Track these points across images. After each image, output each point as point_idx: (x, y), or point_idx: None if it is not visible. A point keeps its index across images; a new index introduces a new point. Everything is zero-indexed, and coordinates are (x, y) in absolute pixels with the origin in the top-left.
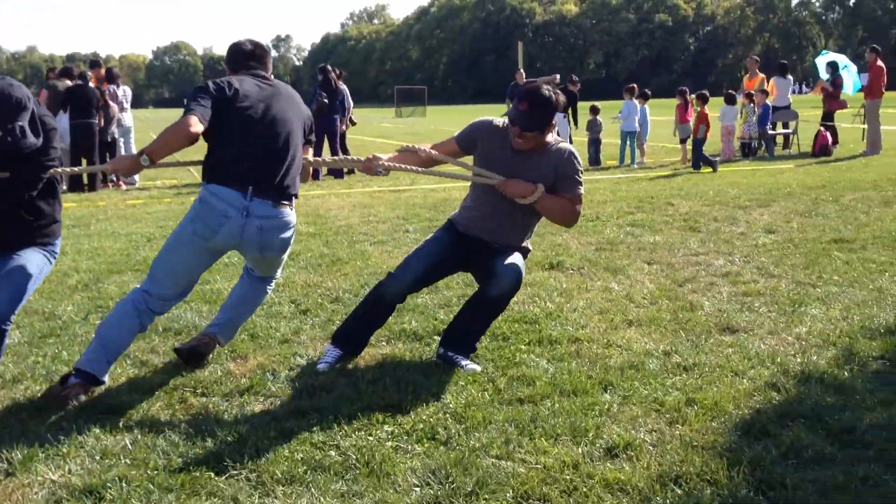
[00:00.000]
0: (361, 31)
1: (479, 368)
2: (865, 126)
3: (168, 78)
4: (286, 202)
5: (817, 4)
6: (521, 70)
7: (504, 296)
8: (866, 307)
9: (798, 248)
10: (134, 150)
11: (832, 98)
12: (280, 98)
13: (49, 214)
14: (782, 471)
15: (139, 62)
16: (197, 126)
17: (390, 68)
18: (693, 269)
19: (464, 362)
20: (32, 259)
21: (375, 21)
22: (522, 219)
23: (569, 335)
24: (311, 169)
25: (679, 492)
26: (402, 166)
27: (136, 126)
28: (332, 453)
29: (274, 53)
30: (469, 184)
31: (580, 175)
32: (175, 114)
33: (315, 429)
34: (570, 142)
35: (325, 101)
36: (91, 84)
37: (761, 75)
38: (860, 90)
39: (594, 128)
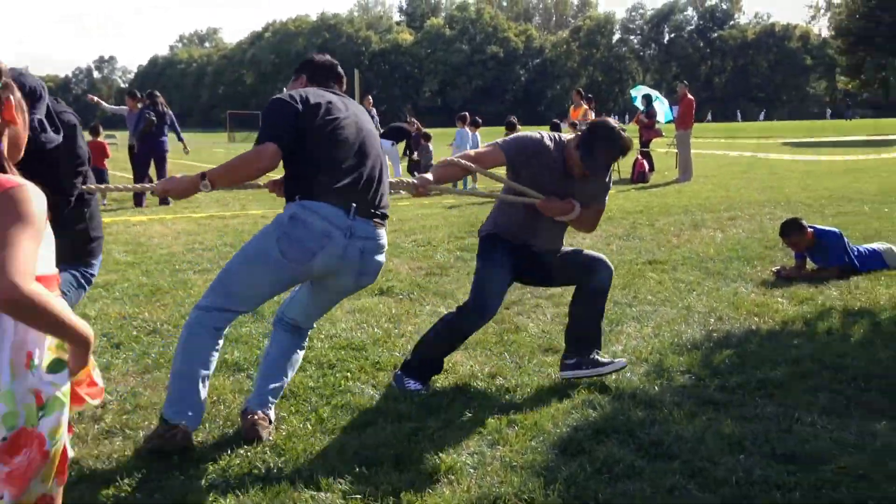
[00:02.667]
0: (192, 53)
1: (625, 362)
2: (677, 154)
3: None
4: (383, 222)
5: (636, 42)
6: (370, 97)
7: (610, 276)
8: (675, 324)
9: (617, 269)
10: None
11: (648, 128)
12: (364, 114)
13: (83, 230)
14: (595, 486)
15: None
16: (275, 158)
17: (223, 93)
18: (519, 292)
19: (613, 361)
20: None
21: (207, 44)
22: (560, 226)
23: (395, 361)
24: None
25: None
26: (450, 188)
27: None
28: (138, 495)
29: (97, 75)
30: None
31: (611, 186)
32: None
33: (120, 470)
34: (398, 169)
35: (154, 118)
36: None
37: (585, 106)
38: (671, 121)
39: (425, 155)
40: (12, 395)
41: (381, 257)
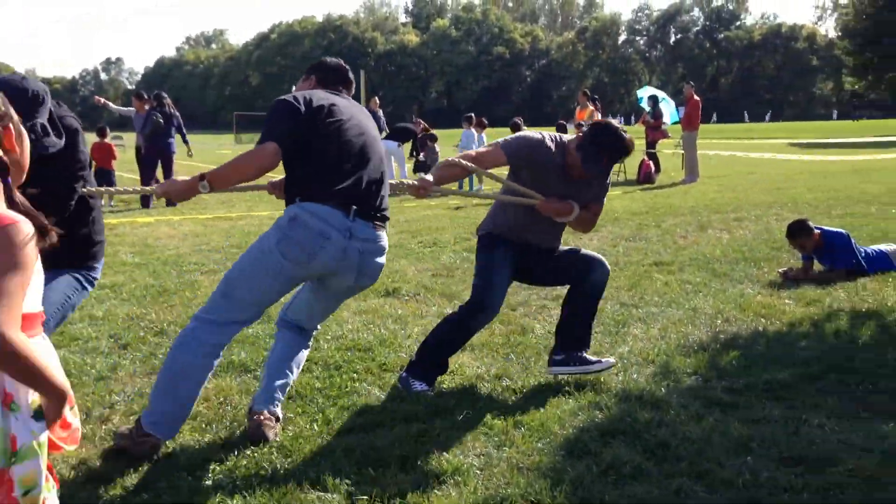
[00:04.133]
0: (199, 55)
1: (613, 361)
2: (684, 155)
3: None
4: (384, 224)
5: (642, 43)
6: (376, 98)
7: (606, 277)
8: (682, 326)
9: (623, 270)
10: None
11: (654, 129)
12: (367, 118)
13: (85, 233)
14: (602, 488)
15: None
16: (275, 157)
17: (230, 94)
18: (525, 294)
19: (600, 360)
20: (60, 285)
21: (213, 46)
22: (559, 225)
23: (402, 362)
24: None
25: None
26: (452, 190)
27: None
28: (145, 496)
29: (104, 76)
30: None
31: (609, 187)
32: None
33: (129, 471)
34: (404, 171)
35: (161, 120)
36: None
37: (591, 107)
38: (678, 122)
39: (431, 156)
40: None
41: (381, 259)
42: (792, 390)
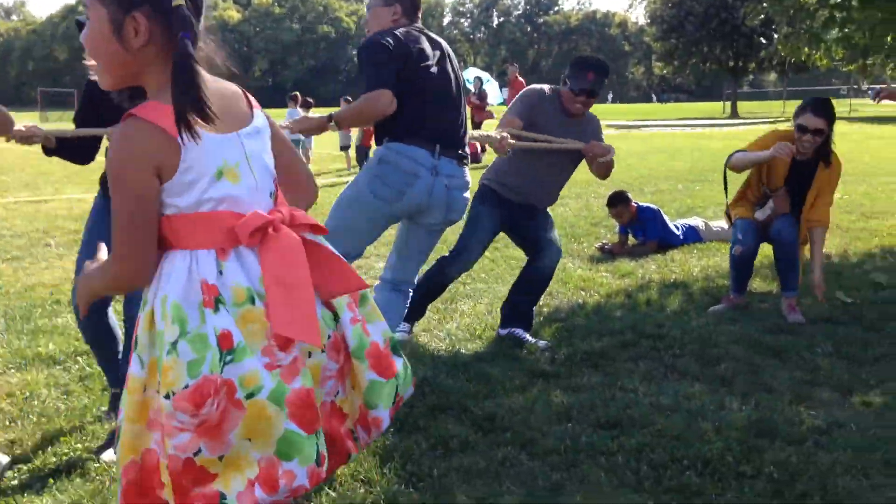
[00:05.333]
0: None
1: (547, 343)
2: None
3: None
4: (466, 161)
5: (466, 25)
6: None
7: (555, 265)
8: None
9: (443, 247)
10: None
11: (480, 109)
12: (449, 56)
13: None
14: (431, 462)
15: None
16: (392, 103)
17: (34, 69)
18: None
19: (532, 339)
20: None
21: (14, 17)
22: (562, 182)
23: None
24: None
25: (333, 494)
26: (526, 143)
27: None
28: None
29: None
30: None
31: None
32: None
33: None
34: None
35: None
36: None
37: None
38: (503, 103)
39: None
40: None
41: (466, 194)
42: (608, 358)
